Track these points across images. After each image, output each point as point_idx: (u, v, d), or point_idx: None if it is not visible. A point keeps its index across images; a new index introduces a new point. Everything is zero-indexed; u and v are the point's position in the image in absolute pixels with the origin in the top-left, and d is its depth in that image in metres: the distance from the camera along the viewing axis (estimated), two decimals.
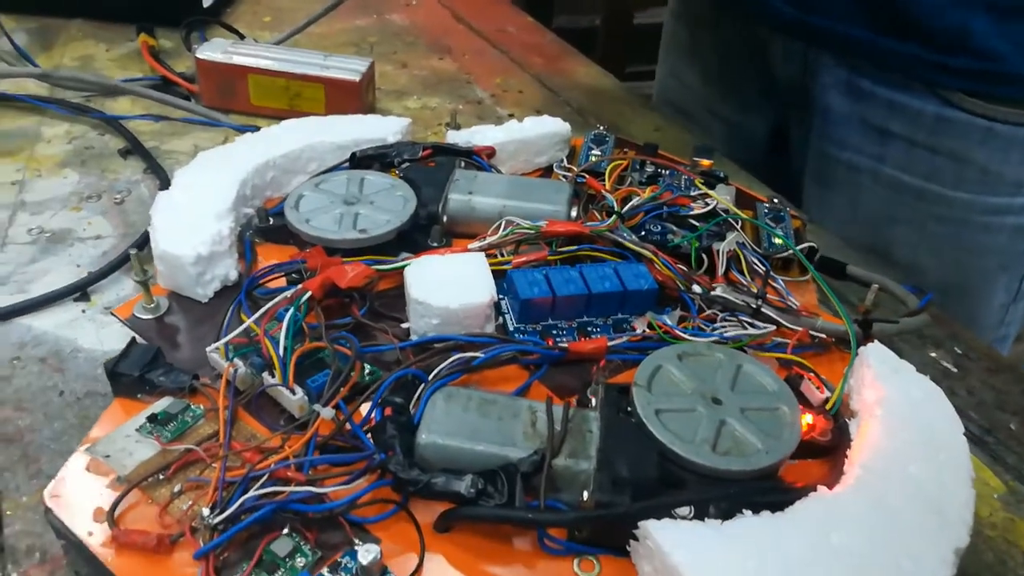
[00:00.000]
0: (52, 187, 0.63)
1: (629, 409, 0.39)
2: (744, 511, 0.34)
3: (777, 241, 0.50)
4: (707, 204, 0.51)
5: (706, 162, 0.56)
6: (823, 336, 0.45)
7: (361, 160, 0.53)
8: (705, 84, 0.79)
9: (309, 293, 0.42)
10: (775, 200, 0.54)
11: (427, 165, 0.53)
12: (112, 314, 0.45)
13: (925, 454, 0.37)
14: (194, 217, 0.46)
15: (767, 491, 0.36)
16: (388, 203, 0.49)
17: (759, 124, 0.76)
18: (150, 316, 0.44)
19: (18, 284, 0.55)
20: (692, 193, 0.52)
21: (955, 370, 0.57)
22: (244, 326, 0.40)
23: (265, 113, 0.71)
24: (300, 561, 0.34)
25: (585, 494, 0.35)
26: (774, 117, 0.75)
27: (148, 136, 0.69)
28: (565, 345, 0.42)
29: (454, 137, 0.56)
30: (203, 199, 0.47)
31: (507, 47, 0.87)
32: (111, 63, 0.78)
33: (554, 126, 0.56)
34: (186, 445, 0.37)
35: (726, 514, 0.35)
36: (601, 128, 0.59)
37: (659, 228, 0.51)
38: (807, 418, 0.40)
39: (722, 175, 0.56)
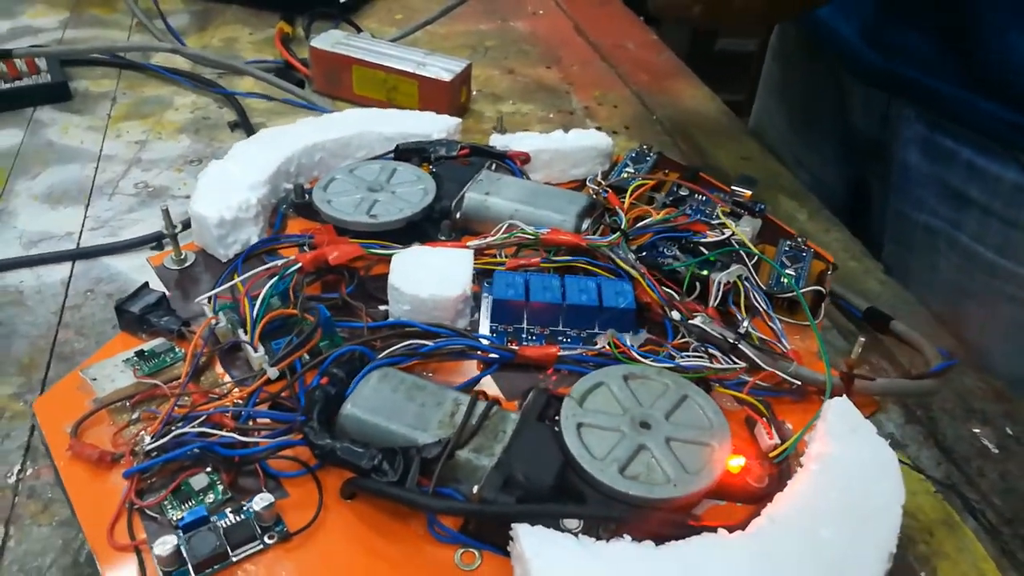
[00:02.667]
0: (166, 149, 0.72)
1: (557, 418, 0.39)
2: (626, 536, 0.34)
3: (785, 280, 0.48)
4: (723, 233, 0.50)
5: (747, 193, 0.55)
6: (796, 382, 0.43)
7: (403, 152, 0.56)
8: (790, 128, 0.76)
9: (299, 264, 0.45)
10: (799, 239, 0.51)
11: (462, 164, 0.55)
12: (147, 261, 0.51)
13: (844, 519, 0.35)
14: (231, 184, 0.51)
15: (655, 522, 0.35)
16: (408, 194, 0.52)
17: (839, 176, 0.72)
18: (176, 267, 0.50)
19: (112, 229, 0.63)
20: (713, 221, 0.51)
21: (996, 451, 0.52)
22: (231, 283, 0.44)
23: (366, 103, 0.76)
24: (210, 498, 0.37)
25: (475, 488, 0.36)
26: (854, 171, 0.71)
27: (259, 113, 0.76)
28: (515, 348, 0.43)
29: (497, 140, 0.58)
30: (245, 170, 0.52)
31: (617, 62, 0.88)
32: (249, 45, 0.87)
33: (595, 140, 0.57)
34: (154, 381, 0.41)
35: (614, 536, 0.35)
36: (644, 147, 0.58)
37: (672, 252, 0.50)
38: (739, 460, 0.38)
39: (760, 208, 0.54)
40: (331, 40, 0.77)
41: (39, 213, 0.65)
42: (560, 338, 0.46)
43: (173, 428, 0.39)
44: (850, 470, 0.37)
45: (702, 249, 0.49)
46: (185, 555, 0.34)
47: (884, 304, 0.60)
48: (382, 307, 0.46)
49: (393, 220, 0.50)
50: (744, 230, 0.50)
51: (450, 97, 0.74)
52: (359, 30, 0.84)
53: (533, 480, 0.36)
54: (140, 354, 0.43)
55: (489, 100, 0.80)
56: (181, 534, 0.35)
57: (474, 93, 0.80)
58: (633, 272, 0.46)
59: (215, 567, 0.35)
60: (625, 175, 0.55)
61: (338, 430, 0.39)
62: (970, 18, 0.54)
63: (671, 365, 0.42)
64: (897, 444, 0.52)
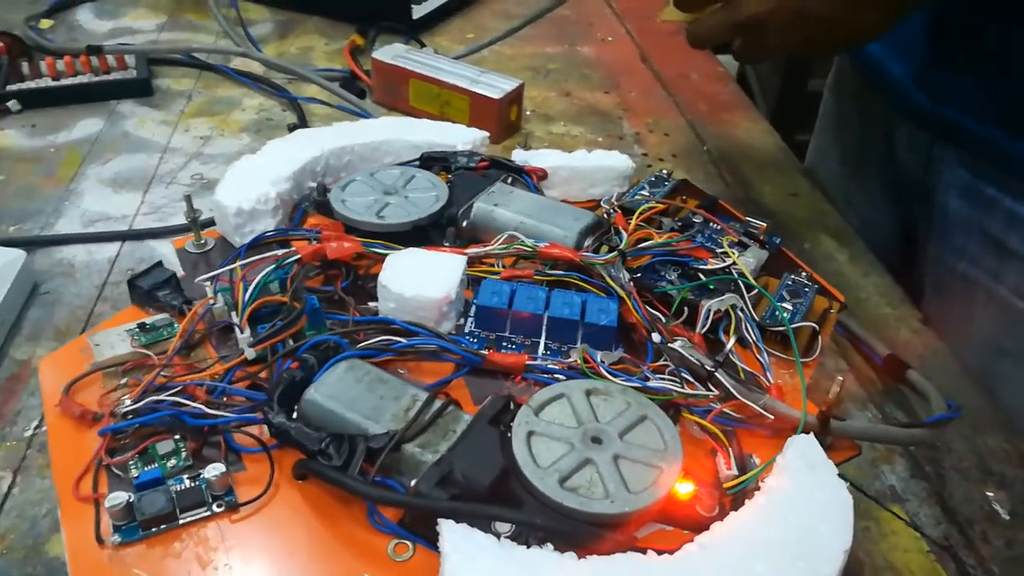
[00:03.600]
0: (227, 145, 0.76)
1: (512, 424, 0.39)
2: (548, 545, 0.34)
3: (779, 314, 0.47)
4: (724, 262, 0.49)
5: (763, 225, 0.54)
6: (770, 416, 0.42)
7: (427, 160, 0.58)
8: (842, 166, 0.74)
9: (298, 256, 0.47)
10: (804, 274, 0.50)
11: (479, 175, 0.57)
12: (172, 244, 0.54)
13: (782, 556, 0.34)
14: (255, 177, 0.54)
15: (581, 535, 0.35)
16: (420, 200, 0.53)
17: (887, 219, 0.70)
18: (196, 251, 0.53)
19: (162, 215, 0.68)
20: (718, 250, 0.50)
21: (1007, 517, 0.49)
22: (230, 267, 0.46)
23: (421, 115, 0.78)
24: (172, 462, 0.39)
25: (413, 481, 0.36)
26: (901, 214, 0.69)
27: (318, 118, 0.80)
28: (484, 353, 0.43)
29: (519, 155, 0.59)
30: (271, 165, 0.55)
31: (677, 91, 0.87)
32: (323, 54, 0.91)
33: (615, 161, 0.57)
34: (147, 351, 0.44)
35: (542, 544, 0.35)
36: (665, 172, 0.58)
37: (671, 276, 0.50)
38: (687, 487, 0.38)
39: (773, 240, 0.53)
40: (392, 53, 0.80)
41: (103, 196, 0.70)
42: (539, 349, 0.46)
43: (153, 395, 0.41)
44: (798, 507, 0.36)
45: (700, 276, 0.49)
46: (135, 511, 0.36)
47: (913, 354, 0.58)
48: (373, 304, 0.48)
49: (400, 223, 0.52)
50: (748, 261, 0.50)
51: (499, 114, 0.76)
52: (422, 45, 0.87)
53: (470, 480, 0.36)
54: (142, 326, 0.46)
55: (541, 120, 0.81)
56: (135, 492, 0.37)
57: (527, 113, 0.82)
58: (620, 291, 0.46)
59: (162, 526, 0.37)
60: (639, 197, 0.55)
61: (299, 413, 0.40)
62: (1010, 61, 0.52)
63: (637, 385, 0.42)
64: (897, 498, 0.50)
